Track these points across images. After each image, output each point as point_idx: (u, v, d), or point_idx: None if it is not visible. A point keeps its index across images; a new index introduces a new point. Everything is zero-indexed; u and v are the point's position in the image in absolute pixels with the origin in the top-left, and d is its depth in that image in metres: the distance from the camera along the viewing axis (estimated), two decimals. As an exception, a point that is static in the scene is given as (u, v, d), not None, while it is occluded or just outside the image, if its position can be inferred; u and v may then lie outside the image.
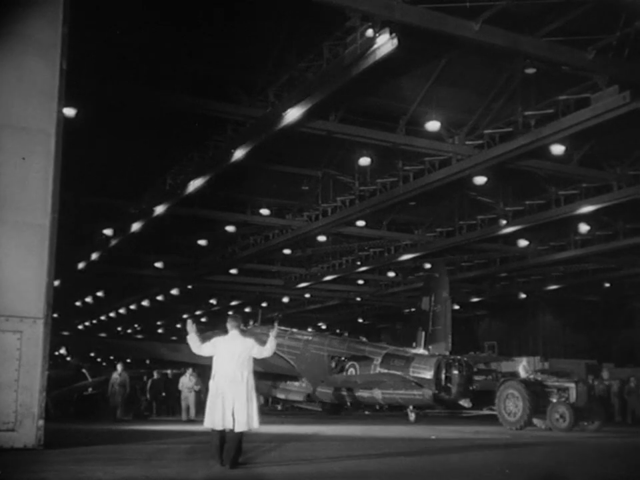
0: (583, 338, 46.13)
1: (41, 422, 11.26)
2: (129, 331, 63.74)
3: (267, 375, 24.06)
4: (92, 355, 47.38)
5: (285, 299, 45.32)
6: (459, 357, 22.79)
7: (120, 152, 22.01)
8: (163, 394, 28.05)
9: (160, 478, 9.40)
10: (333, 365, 25.43)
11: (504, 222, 27.17)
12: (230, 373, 9.93)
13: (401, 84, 19.04)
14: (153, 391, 27.82)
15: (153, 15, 15.30)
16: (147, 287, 43.33)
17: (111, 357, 32.79)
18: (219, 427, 9.85)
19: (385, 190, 24.34)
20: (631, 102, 16.13)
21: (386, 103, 19.94)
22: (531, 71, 17.87)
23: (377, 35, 14.15)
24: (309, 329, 37.51)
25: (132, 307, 50.50)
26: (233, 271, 37.83)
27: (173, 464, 10.76)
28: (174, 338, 57.04)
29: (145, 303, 47.74)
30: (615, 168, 22.99)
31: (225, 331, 10.48)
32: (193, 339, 10.16)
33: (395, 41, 13.86)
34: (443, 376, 21.93)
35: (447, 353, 22.85)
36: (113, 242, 30.13)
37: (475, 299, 43.89)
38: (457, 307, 47.50)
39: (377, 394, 23.36)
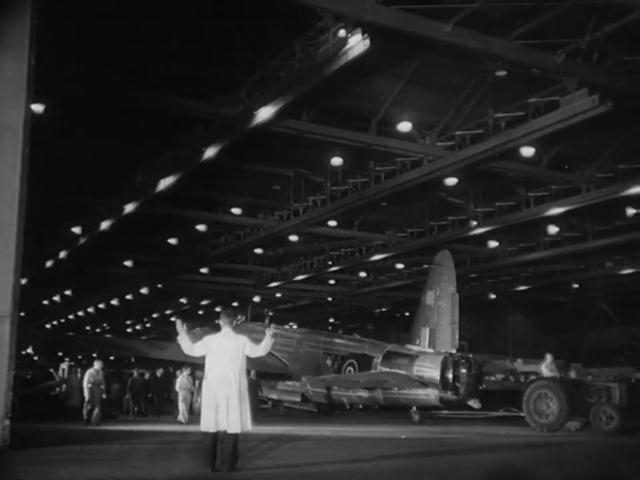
0: (551, 338, 46.62)
1: (7, 422, 11.10)
2: (98, 330, 63.10)
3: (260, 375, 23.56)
4: (60, 354, 46.85)
5: (256, 299, 45.17)
6: (467, 355, 21.55)
7: (89, 149, 21.74)
8: (150, 395, 27.29)
9: (128, 478, 9.32)
10: (329, 363, 24.33)
11: (474, 223, 27.37)
12: (223, 373, 9.61)
13: (373, 84, 19.04)
14: (133, 391, 27.21)
15: (124, 12, 15.13)
16: (116, 285, 42.94)
17: (94, 355, 31.80)
18: (212, 429, 9.53)
19: (357, 190, 24.37)
20: (599, 105, 16.30)
21: (358, 103, 19.94)
22: (501, 73, 17.96)
23: (350, 35, 14.18)
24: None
25: (101, 305, 50.02)
26: (204, 270, 37.66)
27: (142, 464, 10.68)
28: (143, 337, 56.70)
29: (114, 301, 47.32)
30: (583, 170, 23.24)
31: (217, 328, 10.12)
32: (183, 340, 9.80)
33: (368, 42, 13.88)
34: (451, 375, 20.70)
35: (454, 351, 21.44)
36: (82, 240, 29.80)
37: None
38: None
39: (378, 394, 22.29)
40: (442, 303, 21.85)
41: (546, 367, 21.51)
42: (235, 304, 46.31)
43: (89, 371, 21.82)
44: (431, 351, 21.54)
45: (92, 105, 18.48)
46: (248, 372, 23.34)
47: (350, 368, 23.27)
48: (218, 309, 46.13)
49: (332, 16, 14.52)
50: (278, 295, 44.20)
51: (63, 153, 21.30)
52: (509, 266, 35.12)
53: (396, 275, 39.40)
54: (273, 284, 39.65)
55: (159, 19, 16.00)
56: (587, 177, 23.24)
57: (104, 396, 21.93)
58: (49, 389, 26.69)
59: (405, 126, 20.07)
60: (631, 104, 17.91)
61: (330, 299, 46.77)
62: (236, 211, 27.76)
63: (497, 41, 15.16)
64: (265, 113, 17.43)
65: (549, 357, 21.96)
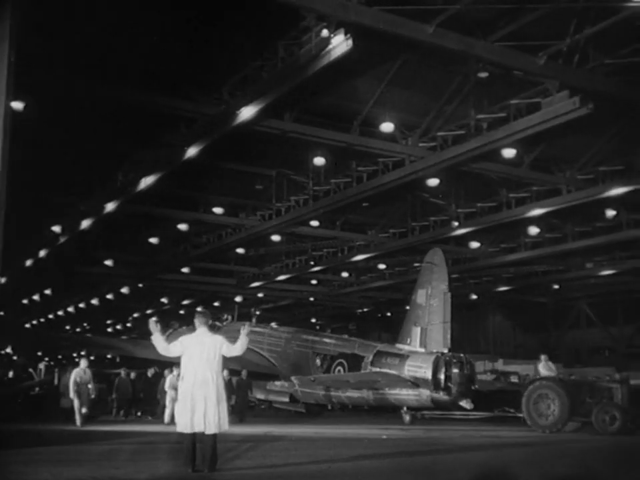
0: (532, 338, 47.00)
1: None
2: (78, 329, 62.70)
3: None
4: (40, 353, 46.48)
5: (238, 298, 45.07)
6: (459, 355, 21.20)
7: (70, 147, 21.58)
8: (141, 395, 26.83)
9: (108, 479, 9.28)
10: (319, 363, 23.79)
11: (456, 224, 27.48)
12: (200, 373, 9.56)
13: (356, 85, 19.08)
14: (119, 392, 26.71)
15: (105, 10, 15.03)
16: (97, 285, 42.69)
17: (81, 354, 31.09)
18: (188, 430, 9.48)
19: (339, 190, 24.38)
20: (580, 107, 16.41)
21: (341, 104, 19.94)
22: (483, 74, 18.06)
23: (332, 35, 14.16)
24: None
25: (81, 305, 49.69)
26: (185, 270, 37.49)
27: (121, 464, 10.64)
28: (124, 337, 56.35)
29: (94, 301, 47.02)
30: (564, 172, 23.42)
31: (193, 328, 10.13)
32: (157, 339, 9.73)
33: (350, 42, 13.87)
34: (443, 375, 20.34)
35: (446, 350, 21.05)
36: (62, 239, 29.56)
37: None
38: (408, 308, 48.02)
39: (368, 394, 21.98)
40: (434, 301, 21.52)
41: (542, 367, 21.25)
42: (216, 304, 46.18)
43: (75, 370, 21.42)
44: (422, 350, 21.26)
45: (73, 102, 18.34)
46: (239, 372, 23.10)
47: (339, 368, 22.94)
48: (199, 309, 45.96)
49: (314, 15, 14.50)
50: (260, 295, 44.11)
51: (43, 151, 21.12)
52: (490, 266, 35.30)
53: (378, 275, 39.47)
54: (255, 284, 39.57)
55: (141, 18, 15.92)
56: (567, 178, 23.41)
57: (92, 396, 21.53)
58: (29, 389, 26.49)
59: (387, 126, 20.10)
60: (612, 106, 18.09)
61: (312, 299, 46.79)
62: (218, 210, 27.65)
63: (479, 43, 15.21)
64: (247, 113, 17.37)
65: (543, 357, 21.69)
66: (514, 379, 27.27)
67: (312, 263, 35.28)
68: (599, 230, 28.68)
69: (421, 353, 21.16)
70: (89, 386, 21.30)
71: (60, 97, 17.84)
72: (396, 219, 30.23)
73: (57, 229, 29.13)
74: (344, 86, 18.94)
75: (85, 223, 27.21)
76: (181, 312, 48.47)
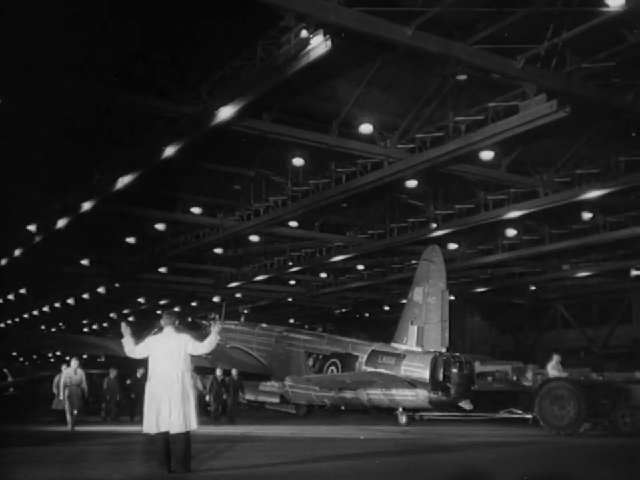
0: (509, 339, 47.34)
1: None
2: (53, 329, 62.17)
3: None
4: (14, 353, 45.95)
5: (216, 299, 44.90)
6: (458, 354, 20.82)
7: (46, 146, 21.37)
8: (133, 395, 25.75)
9: (83, 479, 9.20)
10: (311, 362, 23.39)
11: (434, 225, 27.55)
12: (165, 373, 9.59)
13: (335, 86, 19.08)
14: (109, 392, 26.18)
15: (82, 8, 14.87)
16: (73, 284, 42.31)
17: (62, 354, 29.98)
18: (154, 430, 9.47)
19: (317, 191, 24.32)
20: (557, 110, 16.50)
21: (319, 104, 19.92)
22: (462, 77, 18.12)
23: (311, 36, 14.13)
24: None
25: (57, 304, 49.23)
26: (162, 270, 37.25)
27: (96, 465, 10.58)
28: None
29: (70, 301, 46.60)
30: (541, 174, 23.57)
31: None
32: (127, 342, 9.85)
33: (329, 43, 13.86)
34: (441, 375, 19.91)
35: (444, 350, 20.65)
36: (37, 238, 29.25)
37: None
38: (387, 308, 48.21)
39: (362, 395, 21.49)
40: (431, 299, 21.11)
41: (552, 368, 20.54)
42: (193, 304, 45.99)
43: (65, 371, 20.50)
44: (419, 350, 20.79)
45: (49, 100, 18.17)
46: (229, 372, 22.73)
47: (332, 368, 22.48)
48: (177, 309, 45.77)
49: (294, 16, 14.44)
50: (238, 295, 43.98)
51: (18, 149, 20.90)
52: (468, 268, 35.42)
53: (356, 276, 39.49)
54: (233, 284, 39.41)
55: (119, 15, 15.79)
56: (544, 181, 23.56)
57: (86, 397, 20.66)
58: (2, 390, 26.20)
59: (366, 128, 20.09)
60: (588, 110, 18.23)
61: (290, 299, 46.72)
62: (195, 210, 27.51)
63: (458, 45, 15.22)
64: (225, 112, 17.29)
65: (555, 357, 20.87)
66: (489, 380, 27.33)
67: (290, 263, 35.19)
68: (575, 232, 28.93)
69: (417, 353, 20.69)
70: (83, 386, 20.35)
71: (36, 94, 17.66)
72: (374, 220, 30.27)
73: (32, 227, 28.80)
74: (323, 87, 18.94)
75: (61, 222, 26.93)
76: (158, 312, 48.20)
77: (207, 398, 23.37)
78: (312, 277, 40.36)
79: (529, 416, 21.54)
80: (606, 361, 39.58)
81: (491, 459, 12.67)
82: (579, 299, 43.34)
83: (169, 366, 9.62)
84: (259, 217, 26.93)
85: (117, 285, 41.01)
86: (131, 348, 9.87)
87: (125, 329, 9.84)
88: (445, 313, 20.94)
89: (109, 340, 25.66)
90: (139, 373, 25.82)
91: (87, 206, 24.93)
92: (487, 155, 20.53)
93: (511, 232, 29.49)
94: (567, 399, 18.18)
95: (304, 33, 14.30)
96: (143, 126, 20.29)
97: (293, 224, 28.53)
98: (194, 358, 10.06)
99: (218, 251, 33.42)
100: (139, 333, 10.95)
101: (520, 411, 23.13)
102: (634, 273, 34.56)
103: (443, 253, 29.93)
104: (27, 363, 56.42)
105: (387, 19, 14.13)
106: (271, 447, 14.28)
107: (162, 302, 47.46)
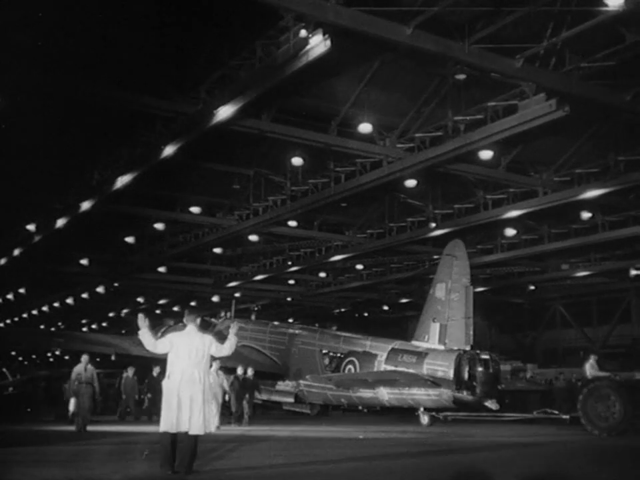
0: (508, 339, 47.28)
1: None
2: (52, 329, 62.16)
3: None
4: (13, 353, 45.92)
5: (215, 298, 44.89)
6: (484, 353, 20.10)
7: (46, 145, 21.35)
8: (149, 395, 25.30)
9: (82, 479, 9.18)
10: (327, 361, 22.68)
11: (433, 224, 27.55)
12: (187, 372, 9.33)
13: (334, 85, 19.07)
14: (127, 391, 25.46)
15: (81, 8, 14.87)
16: (72, 284, 42.27)
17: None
18: (173, 430, 9.22)
19: (317, 190, 24.34)
20: (556, 110, 16.53)
21: (318, 104, 19.93)
22: (461, 76, 18.14)
23: (310, 35, 14.14)
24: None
25: (56, 304, 49.21)
26: (162, 269, 37.23)
27: (96, 465, 10.55)
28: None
29: (69, 300, 46.57)
30: (540, 174, 23.58)
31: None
32: (145, 335, 9.48)
33: (328, 42, 13.86)
34: (466, 374, 19.29)
35: (468, 348, 20.01)
36: (37, 238, 29.23)
37: (405, 300, 44.41)
38: (386, 308, 48.23)
39: (382, 394, 20.76)
40: (454, 296, 20.56)
41: (591, 367, 19.80)
42: (193, 303, 45.94)
43: (75, 368, 18.87)
44: (442, 348, 20.17)
45: (48, 100, 18.15)
46: (245, 371, 22.29)
47: (350, 366, 21.79)
48: (175, 309, 45.78)
49: (293, 15, 14.47)
50: (237, 294, 43.95)
51: (18, 149, 20.88)
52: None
53: (355, 276, 39.48)
54: (232, 283, 39.42)
55: (118, 15, 15.78)
56: (544, 180, 23.56)
57: (97, 398, 19.25)
58: (2, 390, 26.20)
59: (365, 127, 20.08)
60: (587, 109, 18.23)
61: (289, 299, 46.71)
62: (195, 209, 27.49)
63: (457, 45, 15.25)
64: (224, 112, 17.29)
65: (592, 357, 20.24)
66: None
67: (289, 263, 35.19)
68: (574, 232, 28.96)
69: (440, 351, 20.10)
70: (95, 384, 18.83)
71: (35, 94, 17.65)
72: (373, 220, 30.27)
73: (31, 227, 28.79)
74: (322, 86, 18.94)
75: (60, 222, 26.91)
76: (157, 311, 48.21)
77: (227, 398, 22.27)
78: (311, 276, 40.36)
79: (566, 416, 21.03)
80: (605, 361, 39.51)
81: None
82: (579, 299, 43.34)
83: (191, 365, 9.37)
84: (258, 217, 26.93)
85: (116, 284, 40.99)
86: (152, 342, 9.53)
87: (142, 321, 9.48)
88: (469, 309, 20.41)
89: (119, 338, 24.77)
90: (155, 372, 25.12)
91: (86, 205, 24.91)
92: (486, 155, 20.53)
93: (510, 231, 29.49)
94: (612, 398, 17.56)
95: (303, 33, 14.32)
96: (142, 125, 20.29)
97: (292, 223, 28.50)
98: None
99: (217, 250, 33.42)
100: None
101: (556, 411, 22.58)
102: (633, 272, 34.53)
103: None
104: (26, 363, 56.47)
105: (386, 19, 14.16)
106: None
107: (161, 301, 47.44)
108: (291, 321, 54.85)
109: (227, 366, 21.54)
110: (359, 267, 37.21)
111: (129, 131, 20.70)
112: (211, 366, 18.34)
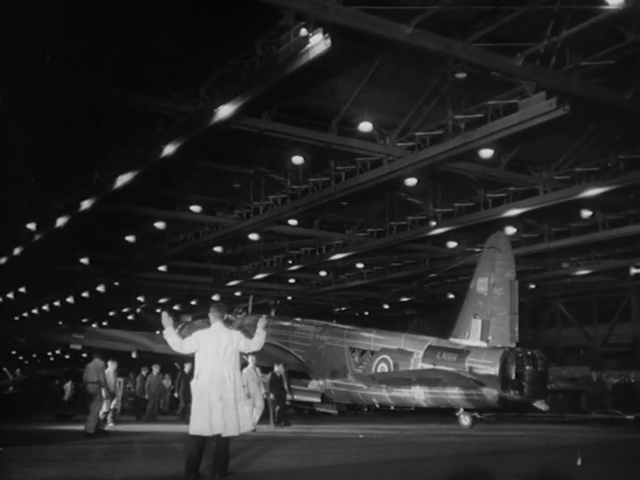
0: (508, 337, 47.09)
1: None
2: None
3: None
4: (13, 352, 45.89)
5: (215, 297, 44.89)
6: (531, 350, 19.24)
7: (45, 144, 21.34)
8: (176, 395, 24.89)
9: (82, 478, 9.17)
10: (357, 360, 21.64)
11: (433, 223, 27.54)
12: (216, 371, 8.90)
13: (334, 84, 19.04)
14: (152, 391, 25.12)
15: (81, 6, 14.85)
16: (72, 283, 42.26)
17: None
18: (207, 433, 8.76)
19: (317, 189, 24.33)
20: (557, 108, 16.54)
21: (319, 103, 19.92)
22: (461, 75, 18.12)
23: (311, 34, 14.15)
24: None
25: (56, 303, 49.20)
26: (162, 268, 37.23)
27: (97, 464, 10.55)
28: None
29: (69, 299, 46.57)
30: (541, 172, 23.59)
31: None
32: (170, 335, 9.07)
33: (329, 41, 13.88)
34: (513, 373, 18.33)
35: (514, 345, 19.00)
36: (37, 237, 29.24)
37: (405, 299, 44.41)
38: (386, 307, 48.20)
39: (419, 393, 19.75)
40: (497, 290, 19.43)
41: None
42: (193, 302, 45.93)
43: (88, 366, 17.44)
44: (485, 345, 19.19)
45: (48, 99, 18.14)
46: (272, 368, 21.64)
47: (383, 364, 20.74)
48: (176, 307, 45.77)
49: (293, 14, 14.47)
50: (237, 293, 43.96)
51: (17, 148, 20.86)
52: (467, 266, 35.33)
53: (356, 274, 39.47)
54: (232, 282, 39.40)
55: (117, 14, 15.77)
56: (544, 179, 23.56)
57: (114, 398, 18.82)
58: (2, 389, 26.17)
59: (365, 126, 20.10)
60: (588, 108, 18.22)
61: (290, 297, 46.67)
62: (195, 208, 27.50)
63: (457, 44, 15.23)
64: (225, 111, 17.31)
65: None
66: None
67: (290, 261, 35.18)
68: (575, 230, 28.94)
69: (483, 348, 19.14)
70: (111, 381, 18.10)
71: (35, 93, 17.63)
72: (374, 218, 30.24)
73: (31, 226, 28.80)
74: (322, 85, 18.92)
75: (61, 221, 26.92)
76: (157, 310, 48.19)
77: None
78: (311, 275, 40.33)
79: (631, 416, 20.62)
80: (605, 359, 39.58)
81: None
82: (579, 297, 43.29)
83: (220, 364, 8.94)
84: (258, 215, 26.93)
85: (116, 283, 41.00)
86: (178, 342, 9.08)
87: (166, 319, 9.08)
88: (514, 305, 19.26)
89: (139, 334, 23.65)
90: (187, 369, 23.78)
91: (86, 204, 24.93)
92: (486, 153, 20.53)
93: (510, 230, 29.41)
94: None
95: (303, 32, 14.34)
96: (142, 125, 20.30)
97: (293, 222, 28.49)
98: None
99: (217, 249, 33.40)
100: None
101: (619, 412, 22.11)
102: (633, 271, 34.53)
103: (442, 252, 29.47)
104: (26, 362, 56.45)
105: (386, 18, 14.14)
106: (269, 447, 14.15)
107: (161, 300, 47.44)
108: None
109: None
110: (360, 265, 37.17)
111: (129, 130, 20.70)
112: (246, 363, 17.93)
